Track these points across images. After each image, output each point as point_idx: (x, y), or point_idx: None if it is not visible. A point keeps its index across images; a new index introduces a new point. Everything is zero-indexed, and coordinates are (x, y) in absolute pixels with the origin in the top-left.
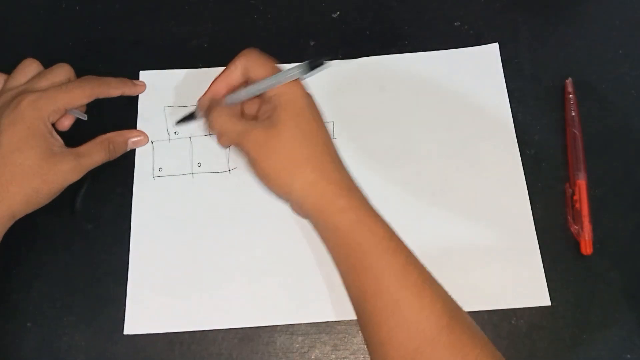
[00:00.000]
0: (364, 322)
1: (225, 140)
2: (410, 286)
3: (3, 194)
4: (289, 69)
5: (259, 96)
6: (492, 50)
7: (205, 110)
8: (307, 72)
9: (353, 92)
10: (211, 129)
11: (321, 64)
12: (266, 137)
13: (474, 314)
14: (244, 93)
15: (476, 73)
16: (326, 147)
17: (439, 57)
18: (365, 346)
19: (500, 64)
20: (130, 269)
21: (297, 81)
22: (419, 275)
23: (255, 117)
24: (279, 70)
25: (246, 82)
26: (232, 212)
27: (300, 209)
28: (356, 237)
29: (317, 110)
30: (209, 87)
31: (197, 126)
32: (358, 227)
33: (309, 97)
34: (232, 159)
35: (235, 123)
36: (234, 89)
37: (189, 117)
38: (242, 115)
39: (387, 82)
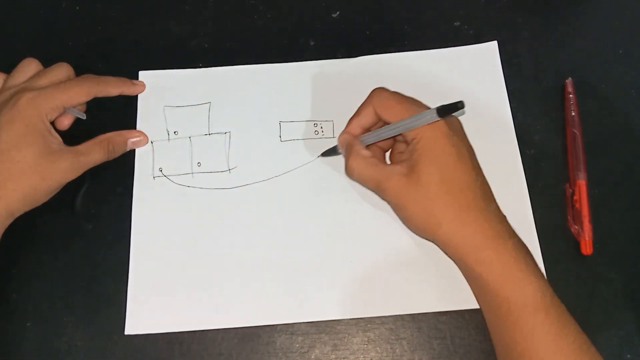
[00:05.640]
0: None
1: (364, 185)
2: (563, 351)
3: (1, 191)
4: (422, 113)
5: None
6: (491, 48)
7: (344, 148)
8: (442, 116)
9: (353, 91)
10: (349, 175)
11: (456, 108)
12: (406, 184)
13: (475, 313)
14: (376, 135)
15: (475, 71)
16: (470, 192)
17: (438, 55)
18: (365, 346)
19: (499, 62)
20: (130, 269)
21: (437, 123)
22: (575, 339)
23: (391, 152)
24: (411, 110)
25: (379, 122)
26: (232, 212)
27: (445, 252)
28: (503, 292)
29: (462, 150)
30: (346, 126)
31: (196, 125)
32: (504, 280)
33: (451, 137)
34: (232, 158)
35: (373, 170)
36: (368, 129)
37: (332, 151)
38: (379, 153)
39: (386, 81)
